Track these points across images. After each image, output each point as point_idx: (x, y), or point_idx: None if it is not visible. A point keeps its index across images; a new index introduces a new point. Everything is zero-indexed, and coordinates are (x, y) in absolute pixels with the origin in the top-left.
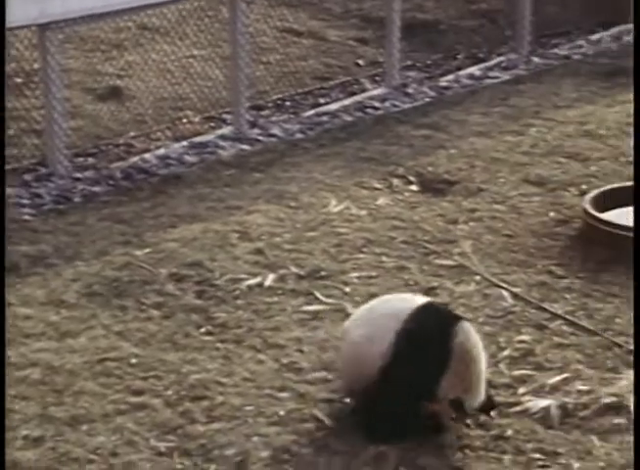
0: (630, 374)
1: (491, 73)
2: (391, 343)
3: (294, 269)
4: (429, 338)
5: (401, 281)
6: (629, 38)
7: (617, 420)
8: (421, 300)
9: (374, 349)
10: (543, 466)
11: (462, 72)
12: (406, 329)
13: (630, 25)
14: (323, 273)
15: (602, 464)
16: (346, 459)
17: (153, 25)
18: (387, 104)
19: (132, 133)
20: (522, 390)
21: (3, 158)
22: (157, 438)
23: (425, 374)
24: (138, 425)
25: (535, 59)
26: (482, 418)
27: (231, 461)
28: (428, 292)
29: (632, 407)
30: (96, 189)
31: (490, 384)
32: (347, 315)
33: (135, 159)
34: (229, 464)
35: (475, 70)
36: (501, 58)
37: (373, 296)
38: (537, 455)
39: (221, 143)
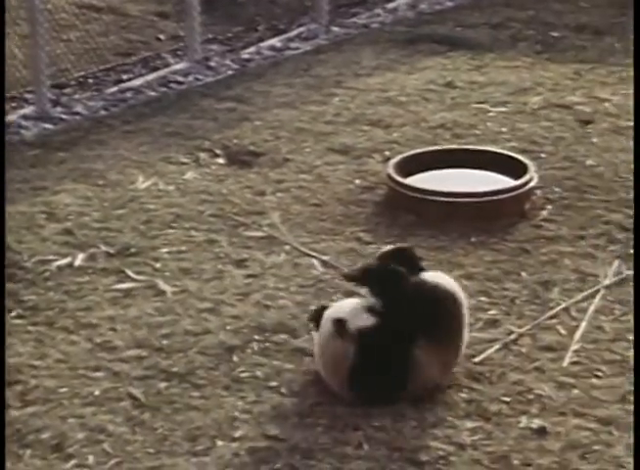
0: None
1: (292, 44)
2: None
3: (103, 248)
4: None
5: (212, 254)
6: (425, 6)
7: None
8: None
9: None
10: (357, 429)
11: (263, 44)
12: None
13: None
14: (133, 250)
15: (414, 423)
16: (161, 436)
17: None
18: (190, 78)
19: None
20: None
21: (3, 162)
22: None
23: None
24: None
25: (335, 28)
26: (298, 387)
27: (47, 445)
28: (238, 264)
29: None
30: None
31: (305, 352)
32: (159, 292)
33: None
34: (44, 448)
35: (276, 41)
36: (301, 28)
37: (183, 270)
38: (352, 419)
39: (24, 123)
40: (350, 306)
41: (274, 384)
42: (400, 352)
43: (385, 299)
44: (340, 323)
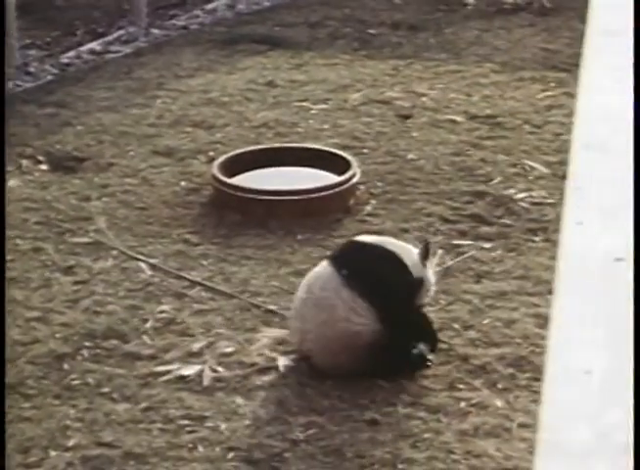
0: (270, 332)
1: (112, 48)
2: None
3: None
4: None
5: (38, 262)
6: (243, 6)
7: (260, 379)
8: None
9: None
10: (191, 431)
11: (83, 48)
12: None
13: None
14: None
15: (248, 422)
16: None
17: None
18: (9, 84)
19: None
20: (168, 358)
21: (3, 155)
22: None
23: None
24: None
25: (155, 31)
26: (130, 392)
27: None
28: (66, 271)
29: (279, 365)
30: None
31: (136, 356)
32: None
33: None
34: None
35: (95, 45)
36: (121, 31)
37: (10, 280)
38: (186, 422)
39: None
40: None
41: (106, 390)
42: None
43: None
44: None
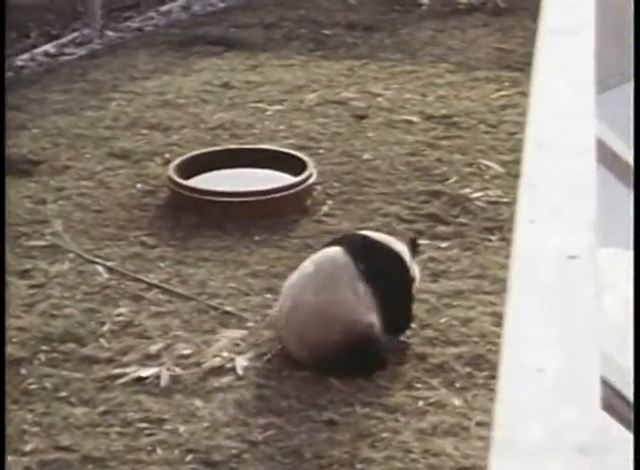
0: (228, 333)
1: (67, 50)
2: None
3: None
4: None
5: None
6: (198, 8)
7: (218, 380)
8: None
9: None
10: (150, 434)
11: (37, 51)
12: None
13: None
14: None
15: (206, 424)
16: None
17: None
18: None
19: None
20: (125, 361)
21: (3, 160)
22: None
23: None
24: None
25: (109, 33)
26: (88, 396)
27: None
28: (22, 274)
29: (237, 367)
30: None
31: (93, 359)
32: None
33: None
34: None
35: (49, 47)
36: (75, 34)
37: None
38: (144, 425)
39: None
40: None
41: (63, 394)
42: None
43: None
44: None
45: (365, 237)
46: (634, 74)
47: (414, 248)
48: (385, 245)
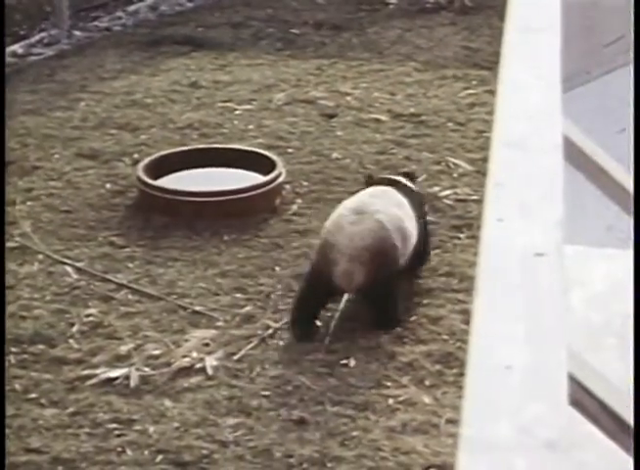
0: (197, 333)
1: (34, 50)
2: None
3: None
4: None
5: None
6: (165, 7)
7: (187, 380)
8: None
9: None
10: (120, 435)
11: (4, 51)
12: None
13: None
14: None
15: (176, 425)
16: None
17: None
18: None
19: None
20: (95, 362)
21: (3, 166)
22: None
23: None
24: None
25: (77, 33)
26: (58, 397)
27: None
28: None
29: (207, 366)
30: None
31: (63, 361)
32: None
33: None
34: None
35: (17, 47)
36: (43, 34)
37: None
38: (114, 425)
39: None
40: None
41: (33, 396)
42: None
43: None
44: None
45: (391, 180)
46: (634, 74)
47: (412, 181)
48: (408, 186)
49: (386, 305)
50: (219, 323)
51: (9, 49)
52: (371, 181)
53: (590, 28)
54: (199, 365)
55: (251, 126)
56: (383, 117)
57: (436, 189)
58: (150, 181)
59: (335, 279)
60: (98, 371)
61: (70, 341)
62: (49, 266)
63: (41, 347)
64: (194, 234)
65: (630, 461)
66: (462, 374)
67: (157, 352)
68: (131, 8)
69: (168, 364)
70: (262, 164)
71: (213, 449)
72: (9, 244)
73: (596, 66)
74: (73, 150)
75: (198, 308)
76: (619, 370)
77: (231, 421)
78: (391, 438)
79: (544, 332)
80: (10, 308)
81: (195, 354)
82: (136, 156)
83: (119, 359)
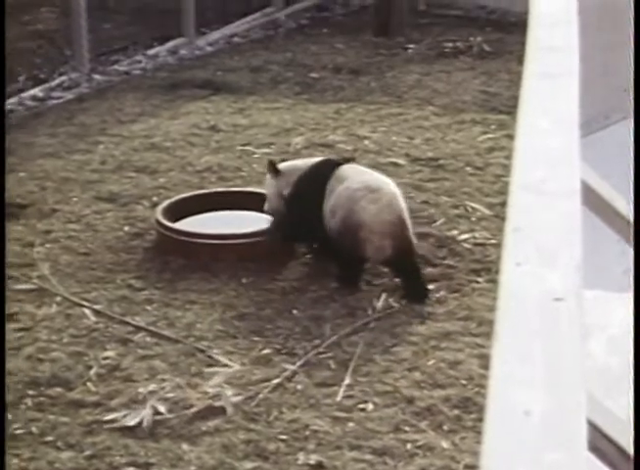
0: (215, 376)
1: (54, 94)
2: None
3: None
4: None
5: None
6: (185, 51)
7: (205, 423)
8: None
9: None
10: None
11: (25, 95)
12: None
13: (185, 39)
14: None
15: (193, 468)
16: None
17: None
18: None
19: None
20: (112, 405)
21: (3, 167)
22: None
23: None
24: None
25: (97, 76)
26: (75, 440)
27: None
28: (9, 318)
29: (224, 410)
30: None
31: (80, 403)
32: None
33: None
34: None
35: (37, 91)
36: (63, 77)
37: None
38: (131, 469)
39: None
40: None
41: (50, 438)
42: None
43: None
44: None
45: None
46: (634, 77)
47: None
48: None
49: (415, 274)
50: (237, 366)
51: (29, 93)
52: (273, 168)
53: (610, 73)
54: (216, 408)
55: None
56: (401, 161)
57: (455, 233)
58: (168, 224)
59: (368, 254)
60: (115, 414)
61: (88, 384)
62: (67, 309)
63: (58, 389)
64: (212, 276)
65: None
66: (480, 419)
67: (174, 395)
68: (151, 52)
69: (186, 407)
70: None
71: None
72: (27, 286)
73: (615, 110)
74: (92, 193)
75: (215, 351)
76: None
77: (248, 465)
78: None
79: (563, 377)
80: (27, 351)
81: (212, 398)
82: (155, 198)
83: (137, 402)
